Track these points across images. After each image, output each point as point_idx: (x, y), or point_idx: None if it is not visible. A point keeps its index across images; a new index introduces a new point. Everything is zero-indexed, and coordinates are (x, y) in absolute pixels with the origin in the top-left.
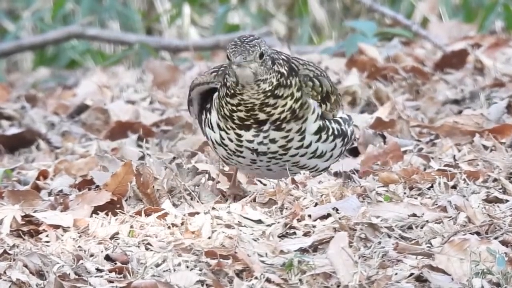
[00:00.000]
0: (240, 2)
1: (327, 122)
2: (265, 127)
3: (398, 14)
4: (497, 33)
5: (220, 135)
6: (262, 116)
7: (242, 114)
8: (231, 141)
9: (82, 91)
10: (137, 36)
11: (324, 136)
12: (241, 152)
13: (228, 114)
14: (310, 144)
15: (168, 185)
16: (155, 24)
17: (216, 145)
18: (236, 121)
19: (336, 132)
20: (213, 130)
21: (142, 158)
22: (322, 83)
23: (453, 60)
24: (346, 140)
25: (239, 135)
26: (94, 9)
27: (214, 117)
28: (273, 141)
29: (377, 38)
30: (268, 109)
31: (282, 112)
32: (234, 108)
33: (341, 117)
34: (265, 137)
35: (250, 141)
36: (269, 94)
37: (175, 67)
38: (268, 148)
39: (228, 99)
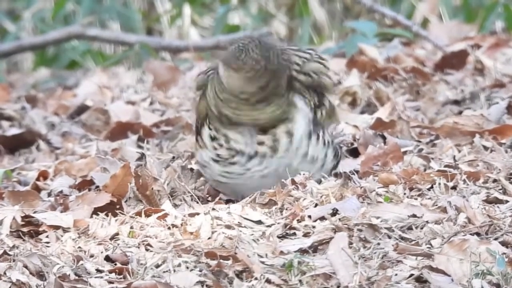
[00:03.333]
0: (241, 3)
1: (317, 129)
2: (253, 130)
3: (398, 15)
4: (497, 34)
5: (213, 146)
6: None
7: (229, 112)
8: (221, 146)
9: (82, 92)
10: (138, 36)
11: (314, 139)
12: (233, 156)
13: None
14: (299, 145)
15: (169, 186)
16: (155, 24)
17: (211, 162)
18: (224, 119)
19: (325, 141)
20: (206, 147)
21: (141, 158)
22: (308, 69)
23: (453, 61)
24: (336, 153)
25: (226, 136)
26: (94, 10)
27: (206, 130)
28: (261, 143)
29: (377, 39)
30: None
31: (270, 117)
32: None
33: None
34: (252, 137)
35: (238, 142)
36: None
37: (176, 68)
38: (256, 152)
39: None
